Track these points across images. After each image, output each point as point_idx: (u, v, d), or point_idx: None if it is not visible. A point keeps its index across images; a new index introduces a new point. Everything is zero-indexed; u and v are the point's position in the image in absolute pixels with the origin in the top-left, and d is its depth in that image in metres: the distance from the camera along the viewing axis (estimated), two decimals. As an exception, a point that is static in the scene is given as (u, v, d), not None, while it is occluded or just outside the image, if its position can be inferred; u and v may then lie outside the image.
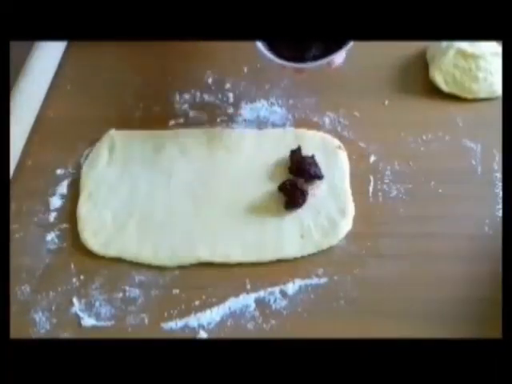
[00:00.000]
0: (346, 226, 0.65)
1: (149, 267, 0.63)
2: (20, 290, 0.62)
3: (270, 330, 0.59)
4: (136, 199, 0.68)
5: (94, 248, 0.64)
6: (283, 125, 0.75)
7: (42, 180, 0.71)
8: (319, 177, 0.68)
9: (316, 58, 0.65)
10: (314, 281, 0.62)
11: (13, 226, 0.66)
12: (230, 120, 0.76)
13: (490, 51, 0.76)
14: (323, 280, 0.62)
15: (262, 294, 0.61)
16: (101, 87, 0.80)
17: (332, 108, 0.76)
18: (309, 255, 0.63)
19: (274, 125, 0.75)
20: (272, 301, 0.60)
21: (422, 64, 0.80)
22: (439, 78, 0.77)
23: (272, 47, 0.65)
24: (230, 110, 0.76)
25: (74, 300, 0.61)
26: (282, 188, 0.66)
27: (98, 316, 0.60)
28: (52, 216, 0.68)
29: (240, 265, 0.63)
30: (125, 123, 0.75)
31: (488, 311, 0.59)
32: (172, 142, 0.73)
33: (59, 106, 0.78)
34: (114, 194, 0.69)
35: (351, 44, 0.64)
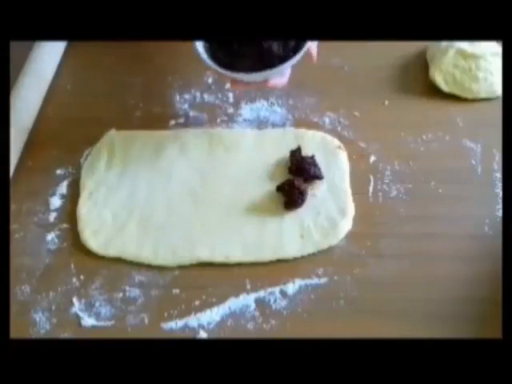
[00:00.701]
0: (346, 226, 0.65)
1: (149, 267, 0.63)
2: (20, 290, 0.62)
3: (270, 330, 0.59)
4: (136, 199, 0.68)
5: (93, 248, 0.64)
6: (283, 125, 0.75)
7: (41, 180, 0.71)
8: (319, 177, 0.68)
9: (248, 70, 0.62)
10: (314, 281, 0.62)
11: (13, 226, 0.66)
12: (230, 120, 0.76)
13: (490, 51, 0.76)
14: (323, 280, 0.62)
15: (262, 294, 0.61)
16: (101, 87, 0.80)
17: (332, 108, 0.76)
18: (309, 255, 0.63)
19: (274, 125, 0.75)
20: (272, 301, 0.60)
21: (422, 64, 0.80)
22: (439, 78, 0.77)
23: (210, 53, 0.64)
24: (230, 110, 0.76)
25: (74, 300, 0.61)
26: (281, 188, 0.66)
27: (97, 316, 0.60)
28: (52, 216, 0.68)
29: (240, 265, 0.63)
30: (125, 123, 0.75)
31: (488, 311, 0.59)
32: (172, 142, 0.73)
33: (59, 106, 0.78)
34: (114, 194, 0.69)
35: (287, 65, 0.63)
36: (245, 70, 0.62)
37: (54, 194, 0.70)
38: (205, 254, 0.63)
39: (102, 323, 0.60)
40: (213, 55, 0.64)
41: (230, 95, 0.78)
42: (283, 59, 0.63)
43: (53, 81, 0.81)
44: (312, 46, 0.66)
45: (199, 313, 0.60)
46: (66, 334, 0.59)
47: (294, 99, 0.77)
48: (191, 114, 0.76)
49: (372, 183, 0.69)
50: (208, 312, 0.60)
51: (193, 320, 0.60)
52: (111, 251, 0.64)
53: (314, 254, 0.63)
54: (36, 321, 0.60)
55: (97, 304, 0.61)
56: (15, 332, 0.54)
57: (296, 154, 0.69)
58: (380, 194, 0.68)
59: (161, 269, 0.63)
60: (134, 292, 0.62)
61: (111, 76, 0.81)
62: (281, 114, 0.76)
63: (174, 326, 0.59)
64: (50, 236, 0.66)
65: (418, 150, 0.72)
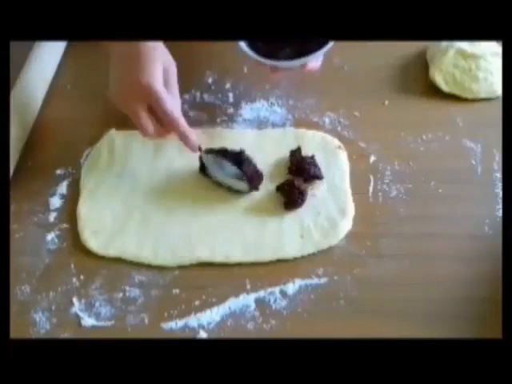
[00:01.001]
0: (346, 225, 0.65)
1: (149, 267, 0.63)
2: (20, 290, 0.62)
3: (270, 330, 0.59)
4: (136, 199, 0.68)
5: (93, 248, 0.64)
6: (283, 125, 0.75)
7: (41, 180, 0.71)
8: (319, 177, 0.68)
9: (289, 58, 0.66)
10: (314, 281, 0.62)
11: (13, 226, 0.66)
12: (230, 120, 0.76)
13: (490, 51, 0.76)
14: (323, 280, 0.62)
15: (261, 294, 0.61)
16: (101, 87, 0.80)
17: (332, 108, 0.76)
18: (309, 255, 0.63)
19: (274, 125, 0.75)
20: (272, 301, 0.60)
21: (422, 64, 0.80)
22: (439, 78, 0.77)
23: (249, 43, 0.68)
24: (230, 110, 0.76)
25: (74, 300, 0.61)
26: (280, 188, 0.66)
27: (97, 316, 0.60)
28: (52, 216, 0.68)
29: (240, 265, 0.63)
30: (125, 123, 0.75)
31: (488, 311, 0.59)
32: (172, 142, 0.73)
33: (59, 106, 0.78)
34: (114, 194, 0.69)
35: (324, 50, 0.66)
36: (286, 58, 0.66)
37: (54, 194, 0.69)
38: (205, 254, 0.63)
39: (101, 323, 0.60)
40: (253, 46, 0.68)
41: (230, 95, 0.78)
42: (320, 45, 0.66)
43: (53, 81, 0.80)
44: None
45: (199, 313, 0.60)
46: (66, 334, 0.59)
47: (294, 99, 0.77)
48: (191, 113, 0.76)
49: (372, 183, 0.69)
50: (208, 312, 0.60)
51: (193, 320, 0.59)
52: (111, 251, 0.64)
53: (314, 254, 0.63)
54: (36, 321, 0.60)
55: (97, 304, 0.61)
56: (15, 332, 0.54)
57: (296, 154, 0.69)
58: (380, 194, 0.68)
59: (161, 269, 0.63)
60: (134, 292, 0.62)
61: (111, 76, 0.81)
62: (281, 114, 0.76)
63: (173, 326, 0.59)
64: (50, 236, 0.66)
65: (418, 150, 0.72)
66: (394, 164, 0.70)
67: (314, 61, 0.68)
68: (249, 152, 0.71)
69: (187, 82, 0.80)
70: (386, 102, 0.77)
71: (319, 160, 0.69)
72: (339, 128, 0.74)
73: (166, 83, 0.65)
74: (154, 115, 0.65)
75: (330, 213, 0.66)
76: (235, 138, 0.73)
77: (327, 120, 0.75)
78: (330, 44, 0.66)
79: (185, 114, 0.76)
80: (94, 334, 0.59)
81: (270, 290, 0.61)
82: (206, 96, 0.78)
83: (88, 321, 0.60)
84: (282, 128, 0.74)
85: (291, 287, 0.61)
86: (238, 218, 0.66)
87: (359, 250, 0.64)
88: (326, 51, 0.66)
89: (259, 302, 0.60)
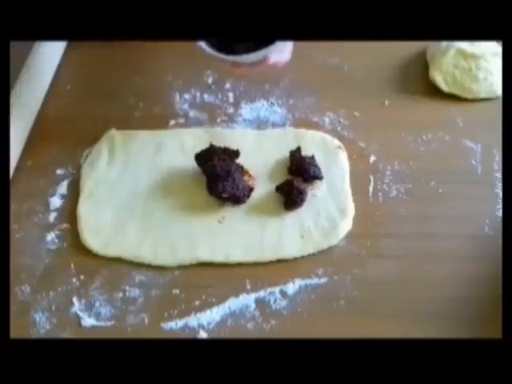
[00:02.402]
0: (346, 226, 0.65)
1: (149, 267, 0.63)
2: (20, 290, 0.62)
3: (270, 330, 0.59)
4: (136, 199, 0.68)
5: (94, 248, 0.64)
6: (283, 125, 0.75)
7: (41, 180, 0.71)
8: (319, 177, 0.68)
9: (248, 50, 0.60)
10: (314, 281, 0.62)
11: (13, 226, 0.66)
12: (230, 120, 0.76)
13: (490, 51, 0.76)
14: (323, 280, 0.62)
15: (262, 294, 0.61)
16: (101, 87, 0.80)
17: (332, 108, 0.76)
18: (309, 255, 0.63)
19: (274, 125, 0.75)
20: (272, 301, 0.60)
21: (422, 64, 0.81)
22: (439, 78, 0.77)
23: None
24: (230, 110, 0.77)
25: (74, 300, 0.61)
26: (280, 188, 0.66)
27: (97, 316, 0.60)
28: (52, 216, 0.68)
29: (240, 265, 0.63)
30: (125, 123, 0.75)
31: (488, 311, 0.59)
32: (172, 141, 0.73)
33: (59, 106, 0.78)
34: (114, 194, 0.69)
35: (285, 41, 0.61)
36: (246, 51, 0.60)
37: (54, 194, 0.69)
38: (205, 254, 0.63)
39: (101, 323, 0.60)
40: (211, 41, 0.61)
41: (230, 95, 0.78)
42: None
43: (53, 81, 0.81)
44: None
45: (199, 313, 0.60)
46: (65, 334, 0.59)
47: (294, 99, 0.77)
48: (191, 114, 0.76)
49: (372, 183, 0.69)
50: (208, 312, 0.60)
51: (193, 320, 0.59)
52: (111, 251, 0.64)
53: (314, 254, 0.63)
54: (36, 321, 0.60)
55: (97, 304, 0.61)
56: (15, 332, 0.54)
57: (296, 154, 0.69)
58: (380, 194, 0.68)
59: (161, 269, 0.63)
60: (134, 292, 0.62)
61: (111, 76, 0.81)
62: (281, 114, 0.76)
63: (173, 326, 0.59)
64: (50, 236, 0.66)
65: (418, 150, 0.72)
66: (394, 164, 0.70)
67: (278, 54, 0.63)
68: (249, 152, 0.72)
69: (187, 82, 0.80)
70: (386, 102, 0.77)
71: (319, 160, 0.69)
72: (339, 128, 0.74)
73: None
74: None
75: (330, 213, 0.66)
76: (235, 138, 0.73)
77: (327, 120, 0.75)
78: None
79: (185, 114, 0.76)
80: (93, 334, 0.59)
81: (270, 289, 0.61)
82: (205, 96, 0.78)
83: (88, 321, 0.60)
84: (281, 128, 0.74)
85: (291, 287, 0.61)
86: (238, 218, 0.66)
87: (359, 249, 0.64)
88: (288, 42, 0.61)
89: (259, 302, 0.60)
